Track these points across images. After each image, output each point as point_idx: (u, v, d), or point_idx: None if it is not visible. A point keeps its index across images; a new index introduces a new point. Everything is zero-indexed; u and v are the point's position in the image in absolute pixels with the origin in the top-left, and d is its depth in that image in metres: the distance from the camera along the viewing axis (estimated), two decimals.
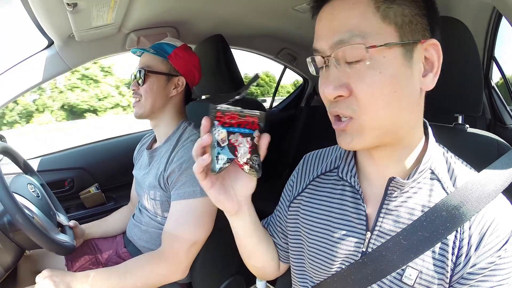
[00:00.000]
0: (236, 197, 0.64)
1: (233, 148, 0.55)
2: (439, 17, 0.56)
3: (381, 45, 0.49)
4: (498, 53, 1.69)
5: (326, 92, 0.53)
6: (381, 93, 0.50)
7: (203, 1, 1.25)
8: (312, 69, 0.60)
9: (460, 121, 0.80)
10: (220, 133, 0.54)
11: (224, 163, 0.55)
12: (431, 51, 0.53)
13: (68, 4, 0.90)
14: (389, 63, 0.50)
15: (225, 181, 0.62)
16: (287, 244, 0.78)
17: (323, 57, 0.54)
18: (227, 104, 0.56)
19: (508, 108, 1.81)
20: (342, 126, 0.54)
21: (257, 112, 0.55)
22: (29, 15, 1.09)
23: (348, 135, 0.55)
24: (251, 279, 0.95)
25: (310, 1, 0.57)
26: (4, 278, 0.99)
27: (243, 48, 2.13)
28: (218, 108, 0.54)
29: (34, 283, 0.90)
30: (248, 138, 0.56)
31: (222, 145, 0.55)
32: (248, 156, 0.56)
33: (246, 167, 0.57)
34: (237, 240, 0.75)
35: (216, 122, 0.54)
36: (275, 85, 2.90)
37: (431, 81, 0.55)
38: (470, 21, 1.38)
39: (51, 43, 1.32)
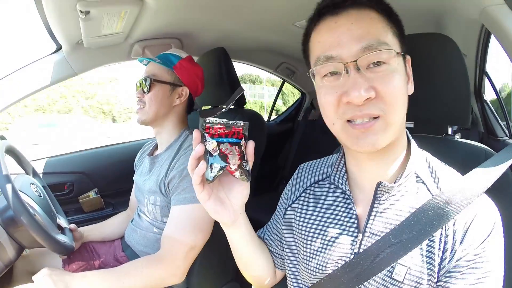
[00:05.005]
0: (232, 208, 0.67)
1: (224, 157, 0.60)
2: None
3: (401, 53, 0.59)
4: (497, 67, 1.75)
5: (356, 94, 0.55)
6: (400, 93, 0.58)
7: (207, 14, 1.30)
8: (316, 80, 0.63)
9: (450, 132, 0.84)
10: (211, 143, 0.59)
11: (218, 171, 0.60)
12: (407, 65, 0.63)
13: (81, 11, 0.95)
14: (401, 68, 0.59)
15: (220, 192, 0.66)
16: (284, 251, 0.81)
17: (344, 63, 0.57)
18: (214, 117, 0.61)
19: (500, 122, 1.86)
20: (369, 125, 0.57)
21: (241, 123, 0.61)
22: (42, 18, 1.13)
23: (372, 134, 0.57)
24: (247, 286, 0.97)
25: (322, 6, 0.61)
26: None
27: (244, 61, 2.20)
28: (207, 121, 0.60)
29: (30, 282, 0.91)
30: (236, 147, 0.61)
31: (214, 154, 0.60)
32: (238, 162, 0.61)
33: (237, 173, 0.62)
34: (234, 250, 0.78)
35: (206, 134, 0.60)
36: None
37: (411, 88, 0.63)
38: (461, 37, 1.43)
39: (59, 47, 1.36)
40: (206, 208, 0.65)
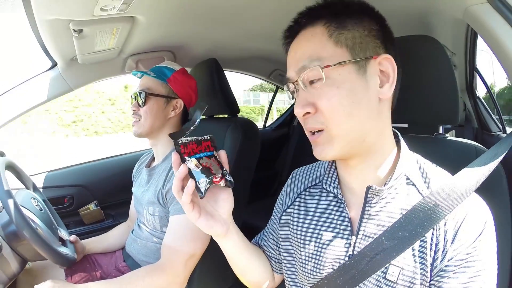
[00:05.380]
0: (222, 218, 0.71)
1: (207, 170, 0.64)
2: (392, 37, 0.66)
3: (335, 64, 0.59)
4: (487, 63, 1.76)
5: (296, 111, 0.63)
6: (341, 105, 0.59)
7: (198, 26, 1.32)
8: (289, 96, 0.69)
9: (440, 131, 0.85)
10: (191, 161, 0.63)
11: (206, 184, 0.63)
12: (385, 64, 0.62)
13: (74, 30, 0.98)
14: (344, 78, 0.59)
15: (207, 207, 0.70)
16: (281, 255, 0.83)
17: (293, 83, 0.65)
18: (185, 137, 0.65)
19: (493, 117, 1.88)
20: (314, 138, 0.63)
21: (207, 137, 0.66)
22: (36, 36, 1.15)
23: (320, 146, 0.63)
24: None
25: (283, 40, 0.69)
26: None
27: (237, 70, 2.22)
28: (180, 142, 0.63)
29: None
30: (213, 158, 0.65)
31: (197, 170, 0.63)
32: (220, 172, 0.65)
33: (222, 182, 0.65)
34: (229, 260, 0.81)
35: (183, 155, 0.63)
36: None
37: (387, 91, 0.62)
38: (449, 37, 1.44)
39: (54, 64, 1.39)
40: (199, 225, 0.68)
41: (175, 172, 0.63)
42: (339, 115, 0.60)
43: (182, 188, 0.63)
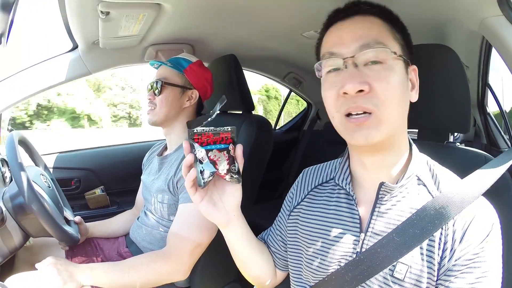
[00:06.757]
0: (225, 210, 0.72)
1: (213, 163, 0.65)
2: (413, 51, 0.69)
3: (399, 54, 0.62)
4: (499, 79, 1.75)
5: (351, 86, 0.59)
6: (396, 92, 0.61)
7: (219, 21, 1.34)
8: (319, 74, 0.68)
9: (451, 140, 0.86)
10: (200, 152, 0.64)
11: (208, 177, 0.65)
12: (413, 74, 0.67)
13: (101, 11, 0.99)
14: (399, 70, 0.62)
15: (214, 195, 0.71)
16: (286, 252, 0.83)
17: (343, 59, 0.62)
18: (201, 127, 0.66)
19: (502, 134, 1.87)
20: (362, 120, 0.60)
21: (228, 128, 0.66)
22: (62, 16, 1.18)
23: (366, 129, 0.61)
24: (249, 287, 0.98)
25: (333, 15, 0.68)
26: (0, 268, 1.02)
27: (252, 69, 2.23)
28: (195, 131, 0.64)
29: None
30: (225, 152, 0.66)
31: (204, 161, 0.64)
32: (227, 167, 0.66)
33: (228, 177, 0.67)
34: (231, 250, 0.81)
35: (195, 144, 0.64)
36: None
37: (414, 96, 0.67)
38: (463, 48, 1.44)
39: (75, 46, 1.41)
40: (199, 209, 0.70)
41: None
42: (393, 100, 0.60)
43: None
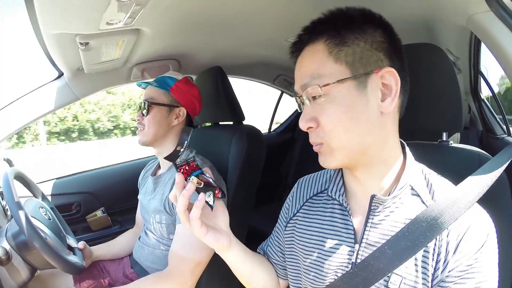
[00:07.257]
0: (224, 231, 0.72)
1: (207, 184, 0.67)
2: (399, 45, 0.65)
3: (334, 82, 0.60)
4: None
5: (300, 125, 0.66)
6: (339, 121, 0.61)
7: (202, 35, 1.34)
8: (299, 108, 0.71)
9: (444, 138, 0.85)
10: (193, 179, 0.66)
11: (214, 197, 0.67)
12: (388, 77, 0.61)
13: (80, 43, 0.99)
14: (344, 95, 0.60)
15: (209, 222, 0.71)
16: (286, 262, 0.84)
17: (299, 97, 0.66)
18: (178, 159, 0.70)
19: (498, 119, 1.87)
20: (317, 149, 0.66)
21: (190, 158, 0.69)
22: (42, 48, 1.17)
23: (322, 156, 0.66)
24: None
25: (290, 54, 0.70)
26: None
27: (242, 76, 2.23)
28: (177, 163, 0.67)
29: None
30: (202, 175, 0.69)
31: (201, 186, 0.66)
32: (216, 184, 0.69)
33: (220, 194, 0.70)
34: (234, 270, 0.81)
35: (184, 175, 0.66)
36: None
37: (389, 105, 0.62)
38: (453, 42, 1.43)
39: (61, 74, 1.41)
40: (206, 241, 0.69)
41: (178, 193, 0.65)
42: (337, 131, 0.62)
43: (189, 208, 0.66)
